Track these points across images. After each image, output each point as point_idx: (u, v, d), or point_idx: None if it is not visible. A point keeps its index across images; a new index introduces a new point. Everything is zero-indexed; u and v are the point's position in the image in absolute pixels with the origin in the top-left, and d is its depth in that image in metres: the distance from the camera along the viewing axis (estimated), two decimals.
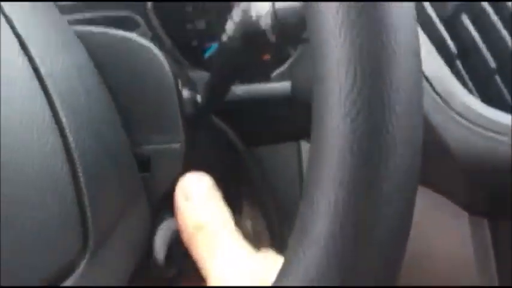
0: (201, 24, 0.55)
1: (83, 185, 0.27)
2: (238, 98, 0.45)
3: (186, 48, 0.54)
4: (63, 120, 0.28)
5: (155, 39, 0.53)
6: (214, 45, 0.55)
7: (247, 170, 0.46)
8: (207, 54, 0.55)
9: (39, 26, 0.30)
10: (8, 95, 0.26)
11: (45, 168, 0.26)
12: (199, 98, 0.39)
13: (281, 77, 0.48)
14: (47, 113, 0.27)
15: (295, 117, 0.46)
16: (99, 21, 0.54)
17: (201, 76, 0.51)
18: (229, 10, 0.54)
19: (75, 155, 0.28)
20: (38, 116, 0.27)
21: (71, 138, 0.28)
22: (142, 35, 0.54)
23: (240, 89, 0.46)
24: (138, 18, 0.53)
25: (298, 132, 0.46)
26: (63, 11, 0.37)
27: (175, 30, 0.54)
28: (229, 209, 0.33)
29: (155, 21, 0.53)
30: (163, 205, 0.34)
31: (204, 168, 0.40)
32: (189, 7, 0.54)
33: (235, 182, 0.47)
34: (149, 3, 0.52)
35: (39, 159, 0.25)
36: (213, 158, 0.44)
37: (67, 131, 0.28)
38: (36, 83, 0.28)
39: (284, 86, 0.46)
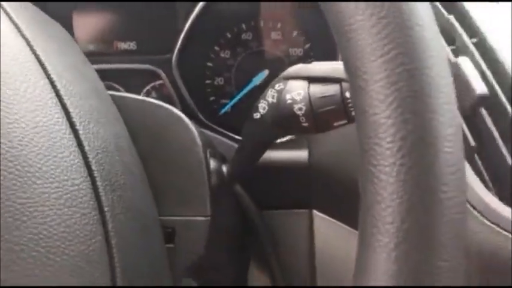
0: (219, 81, 0.56)
1: (116, 259, 0.28)
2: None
3: (202, 103, 0.55)
4: (103, 197, 0.28)
5: (175, 92, 0.55)
6: (230, 102, 0.57)
7: (258, 235, 0.46)
8: (222, 111, 0.56)
9: (84, 97, 0.31)
10: (52, 169, 0.26)
11: (81, 237, 0.26)
12: (224, 168, 0.39)
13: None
14: (89, 190, 0.28)
15: (309, 186, 0.47)
16: (120, 72, 0.55)
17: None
18: (249, 67, 0.56)
19: (109, 227, 0.28)
20: (79, 192, 0.27)
21: (108, 214, 0.28)
22: (162, 87, 0.55)
23: None
24: (160, 71, 0.54)
25: (311, 200, 0.47)
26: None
27: (194, 85, 0.55)
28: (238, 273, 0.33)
29: (177, 75, 0.54)
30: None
31: (222, 235, 0.40)
32: (210, 63, 0.56)
33: (246, 246, 0.48)
34: (174, 58, 0.53)
35: (78, 230, 0.26)
36: (230, 224, 0.44)
37: (105, 205, 0.29)
38: (80, 157, 0.28)
39: (302, 154, 0.47)
